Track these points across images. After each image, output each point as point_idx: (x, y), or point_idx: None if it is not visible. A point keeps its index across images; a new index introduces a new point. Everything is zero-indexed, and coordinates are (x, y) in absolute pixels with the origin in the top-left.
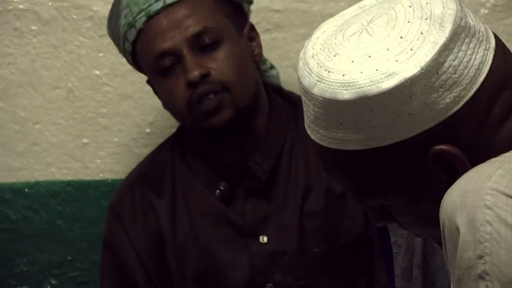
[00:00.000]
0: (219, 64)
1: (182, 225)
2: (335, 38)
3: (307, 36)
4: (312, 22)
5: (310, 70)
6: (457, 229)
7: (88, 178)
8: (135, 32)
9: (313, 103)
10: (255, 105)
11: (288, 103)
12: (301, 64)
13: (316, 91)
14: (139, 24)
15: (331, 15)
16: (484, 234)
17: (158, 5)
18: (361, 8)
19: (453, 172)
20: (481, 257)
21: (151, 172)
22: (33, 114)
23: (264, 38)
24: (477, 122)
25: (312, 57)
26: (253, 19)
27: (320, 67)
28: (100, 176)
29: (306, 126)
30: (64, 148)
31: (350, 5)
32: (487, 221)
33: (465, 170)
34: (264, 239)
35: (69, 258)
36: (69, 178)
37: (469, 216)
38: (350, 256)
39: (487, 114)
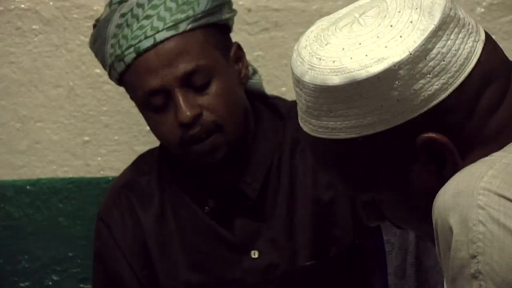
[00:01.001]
0: (211, 102)
1: (172, 239)
2: (328, 30)
3: None
4: (310, 21)
5: (302, 59)
6: (450, 229)
7: (89, 175)
8: (124, 66)
9: (304, 91)
10: (245, 131)
11: (273, 113)
12: (294, 55)
13: (307, 78)
14: (128, 59)
15: (329, 14)
16: (477, 234)
17: (148, 42)
18: (356, 6)
19: (442, 161)
20: (474, 256)
21: (138, 181)
22: (34, 112)
23: (262, 36)
24: (466, 111)
25: (305, 47)
26: (251, 18)
27: (312, 55)
28: (101, 174)
29: (299, 118)
30: (65, 146)
31: (348, 4)
32: (480, 221)
33: (454, 159)
34: (255, 254)
35: (70, 254)
36: (70, 175)
37: (462, 216)
38: (342, 266)
39: (476, 105)
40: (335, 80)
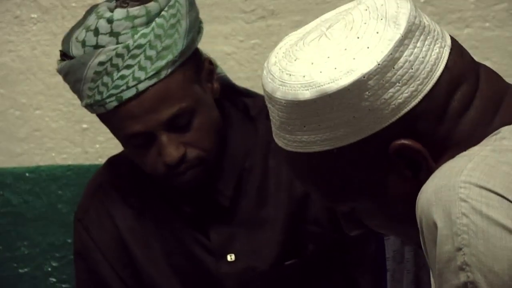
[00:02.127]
0: (194, 138)
1: (151, 240)
2: (296, 45)
3: (302, 23)
4: (307, 9)
5: (273, 76)
6: (434, 224)
7: (87, 162)
8: (104, 110)
9: (277, 107)
10: (220, 145)
11: (243, 114)
12: (264, 72)
13: (279, 94)
14: (109, 106)
15: (325, 2)
16: (461, 227)
17: (130, 93)
18: (322, 20)
19: (416, 167)
20: (459, 249)
21: (113, 182)
22: (33, 100)
23: (259, 25)
24: (436, 116)
25: (275, 64)
26: (248, 6)
27: (282, 72)
28: (99, 161)
29: (273, 133)
30: (64, 133)
31: None
32: (463, 213)
33: (427, 164)
34: (231, 257)
35: (69, 241)
36: (69, 162)
37: (445, 210)
38: (322, 262)
39: (446, 108)
40: (306, 94)
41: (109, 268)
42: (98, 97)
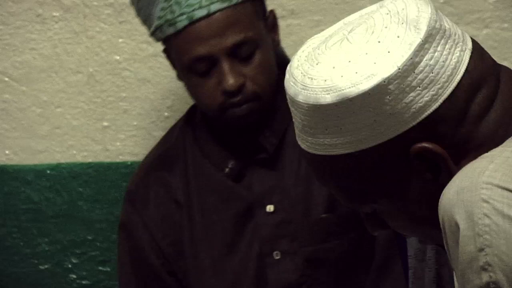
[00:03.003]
0: (254, 73)
1: (194, 202)
2: (318, 49)
3: (322, 22)
4: (326, 9)
5: (295, 79)
6: (457, 225)
7: (108, 160)
8: (173, 30)
9: (299, 111)
10: (275, 99)
11: None
12: (287, 76)
13: (301, 98)
14: (179, 25)
15: (344, 2)
16: (483, 227)
17: (202, 12)
18: (345, 23)
19: (436, 169)
20: (482, 249)
21: (164, 154)
22: (55, 98)
23: (279, 24)
24: (457, 119)
25: (297, 67)
26: (268, 5)
27: (304, 75)
28: (120, 159)
29: (296, 136)
30: (85, 131)
31: None
32: (485, 214)
33: (448, 167)
34: (270, 208)
35: (89, 238)
36: (90, 160)
37: (467, 211)
38: (354, 223)
39: (466, 111)
40: (328, 98)
41: (149, 239)
42: (169, 16)
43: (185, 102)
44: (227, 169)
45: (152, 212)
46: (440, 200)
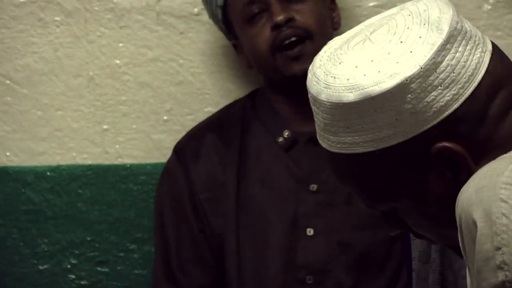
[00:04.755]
0: (304, 14)
1: (244, 165)
2: (341, 49)
3: None
4: None
5: (318, 78)
6: (474, 223)
7: (107, 162)
8: None
9: (321, 109)
10: None
11: None
12: (309, 75)
13: (323, 97)
14: None
15: (342, 9)
16: (500, 226)
17: None
18: (366, 25)
19: (456, 169)
20: (499, 248)
21: (222, 120)
22: (55, 101)
23: None
24: (477, 119)
25: (319, 67)
26: None
27: (327, 74)
28: (119, 161)
29: (317, 135)
30: (85, 133)
31: None
32: (503, 213)
33: (468, 167)
34: (314, 187)
35: (88, 239)
36: (89, 162)
37: (485, 210)
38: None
39: (486, 112)
40: (350, 97)
41: (189, 190)
42: None
43: (184, 106)
44: (281, 138)
45: (198, 166)
46: (458, 198)
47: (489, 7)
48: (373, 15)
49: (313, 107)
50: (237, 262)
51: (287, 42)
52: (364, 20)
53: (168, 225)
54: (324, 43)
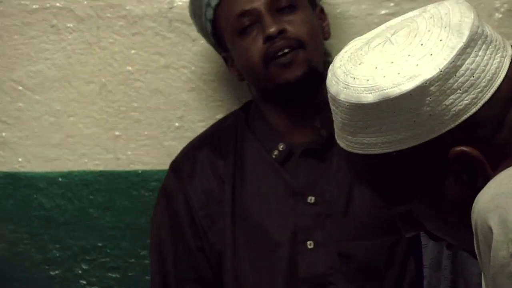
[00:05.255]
0: (295, 25)
1: (239, 180)
2: (361, 50)
3: (332, 36)
4: (334, 24)
5: (337, 78)
6: (490, 230)
7: (119, 169)
8: (217, 1)
9: (340, 109)
10: (323, 73)
11: None
12: (329, 75)
13: (342, 97)
14: None
15: (353, 17)
16: None
17: None
18: (387, 26)
19: (473, 173)
20: None
21: (216, 135)
22: (67, 107)
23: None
24: (495, 124)
25: (340, 67)
26: None
27: (346, 75)
28: (131, 167)
29: (335, 135)
30: (97, 140)
31: (372, 7)
32: None
33: (484, 171)
34: (311, 199)
35: (99, 244)
36: (101, 168)
37: (501, 217)
38: (390, 226)
39: (504, 117)
40: (369, 97)
41: (186, 208)
42: None
43: (195, 113)
44: (276, 152)
45: (195, 184)
46: (474, 204)
47: (500, 15)
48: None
49: (332, 107)
50: (234, 279)
51: (280, 53)
52: (375, 28)
53: (166, 244)
54: (316, 52)
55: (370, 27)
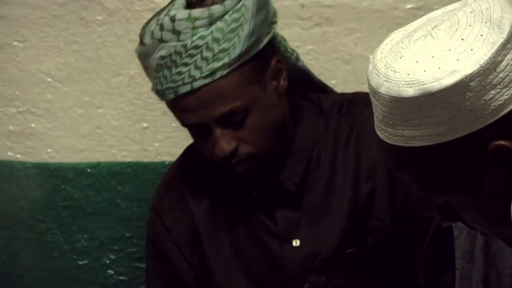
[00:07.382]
0: (247, 136)
1: (220, 227)
2: (402, 43)
3: (356, 30)
4: (361, 17)
5: (378, 71)
6: None
7: (146, 160)
8: (164, 99)
9: (380, 102)
10: (283, 139)
11: (315, 107)
12: (370, 67)
13: (383, 90)
14: (167, 97)
15: (379, 11)
16: None
17: (185, 88)
18: (428, 19)
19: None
20: None
21: (187, 172)
22: (96, 99)
23: (315, 31)
24: None
25: (380, 60)
26: (305, 13)
27: (387, 68)
28: (158, 159)
29: (375, 126)
30: (125, 131)
31: (398, 1)
32: None
33: None
34: (297, 242)
35: (127, 234)
36: (129, 159)
37: None
38: (380, 255)
39: None
40: (410, 91)
41: (179, 256)
42: (159, 87)
43: None
44: (254, 194)
45: (179, 227)
46: None
47: None
48: (409, 17)
49: (372, 99)
50: None
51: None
52: (401, 22)
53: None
54: (270, 151)
55: (395, 21)
